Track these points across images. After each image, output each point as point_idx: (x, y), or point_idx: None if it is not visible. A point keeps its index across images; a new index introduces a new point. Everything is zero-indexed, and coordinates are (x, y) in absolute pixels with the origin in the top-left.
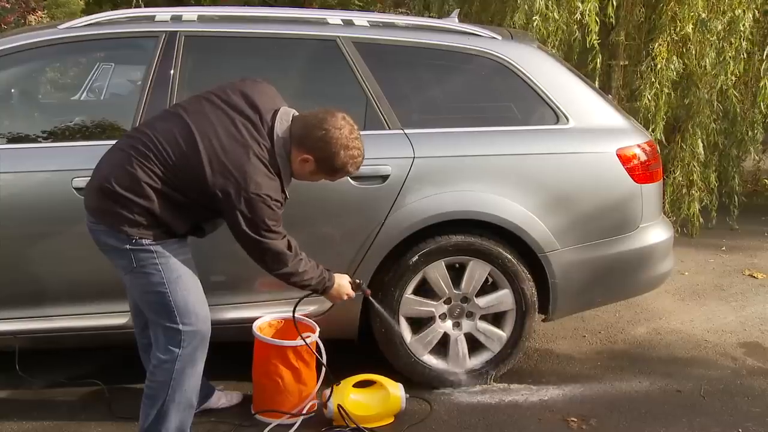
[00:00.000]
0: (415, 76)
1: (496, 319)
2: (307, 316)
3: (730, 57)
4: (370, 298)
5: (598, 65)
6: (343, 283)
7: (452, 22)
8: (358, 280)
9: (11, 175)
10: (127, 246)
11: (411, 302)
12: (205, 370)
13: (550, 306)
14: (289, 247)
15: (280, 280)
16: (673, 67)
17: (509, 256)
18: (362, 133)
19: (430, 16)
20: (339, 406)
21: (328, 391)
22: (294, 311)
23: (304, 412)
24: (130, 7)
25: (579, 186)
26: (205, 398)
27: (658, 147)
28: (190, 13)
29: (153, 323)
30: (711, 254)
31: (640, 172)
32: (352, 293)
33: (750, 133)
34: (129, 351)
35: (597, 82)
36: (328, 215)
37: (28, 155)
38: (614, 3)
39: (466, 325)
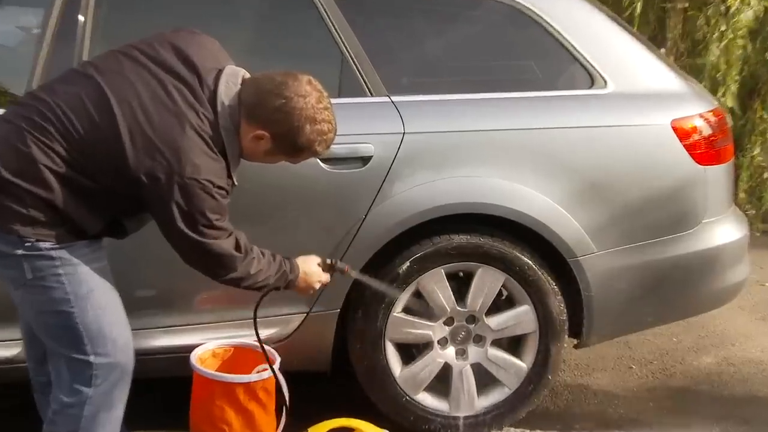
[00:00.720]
0: (405, 27)
1: (514, 345)
2: (264, 340)
3: None
4: (353, 273)
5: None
6: (311, 269)
7: None
8: (330, 260)
9: None
10: (19, 251)
11: (401, 323)
12: (126, 416)
13: (584, 327)
14: (238, 247)
15: (228, 286)
16: (750, 9)
17: (530, 262)
18: (335, 101)
19: None
20: None
21: None
22: (255, 324)
23: None
24: None
25: (621, 169)
26: None
27: (728, 117)
28: None
29: (53, 354)
30: None
31: (703, 150)
32: (326, 278)
33: None
34: (25, 392)
35: (646, 32)
36: (290, 210)
37: None
38: None
39: (474, 353)
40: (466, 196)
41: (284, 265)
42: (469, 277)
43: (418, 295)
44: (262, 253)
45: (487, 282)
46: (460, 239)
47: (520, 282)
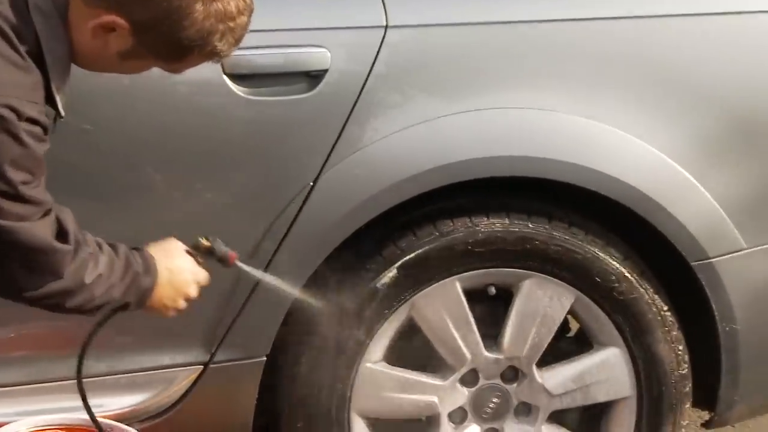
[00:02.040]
0: None
1: (591, 422)
2: (121, 417)
3: None
4: (242, 265)
5: None
6: (176, 262)
7: None
8: (203, 241)
9: None
10: None
11: (379, 382)
12: None
13: (721, 390)
14: (62, 235)
15: (45, 310)
16: None
17: (622, 269)
18: None
19: None
20: None
21: None
22: (81, 385)
23: None
24: None
25: None
26: None
27: None
28: None
29: None
30: None
31: None
32: (204, 276)
33: None
34: None
35: None
36: (174, 172)
37: None
38: None
39: None
40: (500, 145)
41: (133, 261)
42: (505, 296)
43: (411, 328)
44: (99, 245)
45: (540, 304)
46: (489, 226)
47: (604, 305)
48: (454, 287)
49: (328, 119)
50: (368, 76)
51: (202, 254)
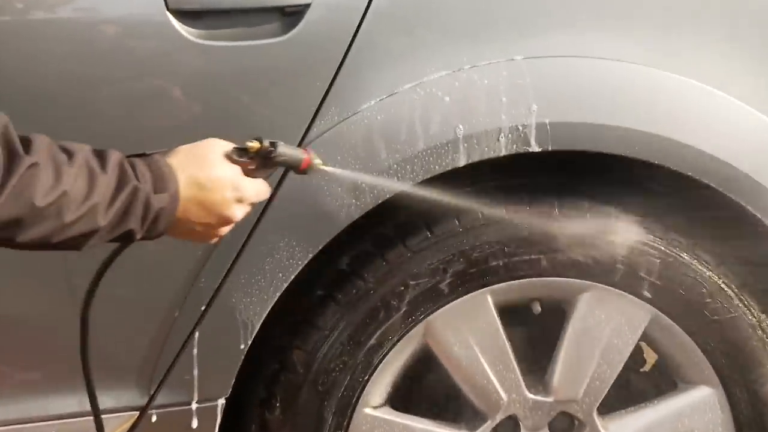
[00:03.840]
0: None
1: None
2: None
3: None
4: (320, 165)
5: None
6: (212, 173)
7: None
8: (255, 141)
9: None
10: None
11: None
12: None
13: None
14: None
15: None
16: None
17: (719, 280)
18: None
19: None
20: None
21: None
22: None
23: None
24: None
25: None
26: None
27: None
28: None
29: None
30: None
31: None
32: (254, 190)
33: None
34: None
35: None
36: (96, 138)
37: None
38: None
39: None
40: (550, 107)
41: (131, 173)
42: (554, 317)
43: (425, 361)
44: (68, 153)
45: (603, 328)
46: (532, 219)
47: (692, 328)
48: (484, 303)
49: (310, 72)
50: (365, 11)
51: (254, 158)
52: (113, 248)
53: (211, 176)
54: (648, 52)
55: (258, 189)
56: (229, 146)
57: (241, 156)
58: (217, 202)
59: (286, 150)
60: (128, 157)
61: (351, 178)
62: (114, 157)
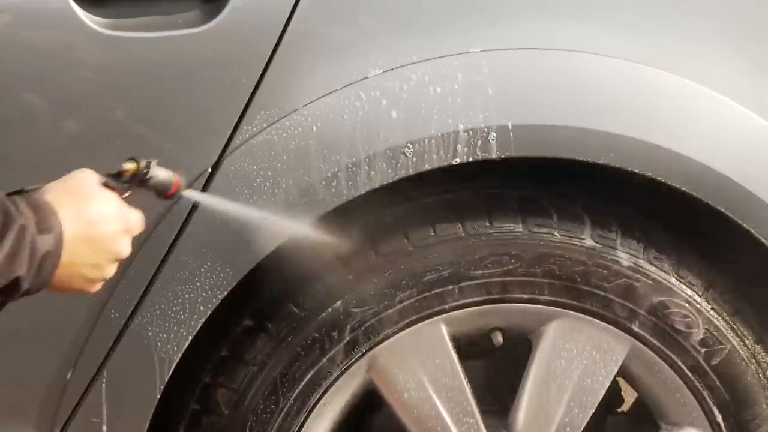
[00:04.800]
0: None
1: None
2: None
3: None
4: (187, 192)
5: None
6: (94, 207)
7: None
8: (128, 163)
9: None
10: None
11: None
12: None
13: None
14: None
15: None
16: None
17: (707, 305)
18: None
19: None
20: None
21: None
22: None
23: None
24: None
25: None
26: None
27: None
28: None
29: None
30: None
31: None
32: (136, 219)
33: None
34: None
35: None
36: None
37: None
38: None
39: None
40: (513, 108)
41: (15, 212)
42: (520, 348)
43: (369, 400)
44: None
45: (574, 361)
46: (491, 235)
47: (675, 362)
48: (438, 334)
49: (235, 67)
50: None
51: (129, 183)
52: None
53: (94, 209)
54: (632, 45)
55: (139, 218)
56: (100, 175)
57: (117, 181)
58: (105, 236)
59: (159, 171)
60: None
61: (231, 211)
62: None
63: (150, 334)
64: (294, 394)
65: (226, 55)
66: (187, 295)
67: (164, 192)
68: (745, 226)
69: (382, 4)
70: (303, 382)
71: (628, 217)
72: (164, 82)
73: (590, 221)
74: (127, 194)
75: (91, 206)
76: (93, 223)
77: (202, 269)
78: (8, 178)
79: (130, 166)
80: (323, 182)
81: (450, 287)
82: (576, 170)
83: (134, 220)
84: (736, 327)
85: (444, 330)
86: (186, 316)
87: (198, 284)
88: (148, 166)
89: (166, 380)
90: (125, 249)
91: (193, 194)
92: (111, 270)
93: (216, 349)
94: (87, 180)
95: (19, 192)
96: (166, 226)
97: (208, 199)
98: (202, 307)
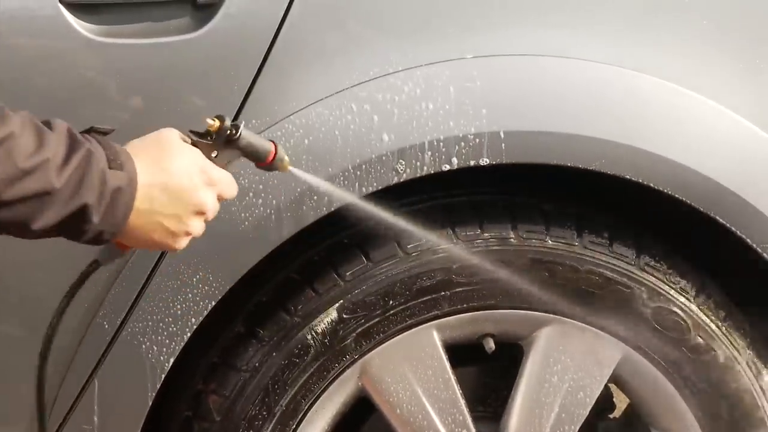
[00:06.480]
0: None
1: None
2: None
3: None
4: (287, 164)
5: None
6: (175, 161)
7: None
8: (213, 120)
9: None
10: None
11: None
12: None
13: None
14: None
15: None
16: None
17: (699, 311)
18: None
19: None
20: None
21: None
22: None
23: None
24: None
25: None
26: None
27: None
28: None
29: None
30: None
31: None
32: (222, 177)
33: None
34: None
35: None
36: None
37: None
38: None
39: None
40: (504, 114)
41: (82, 140)
42: (509, 355)
43: (360, 408)
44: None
45: (566, 368)
46: (483, 243)
47: (668, 369)
48: (430, 340)
49: (227, 74)
50: (290, 3)
51: (214, 142)
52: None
53: (172, 161)
54: (621, 50)
55: (227, 177)
56: (185, 135)
57: (201, 139)
58: (185, 186)
59: (250, 135)
60: None
61: (314, 185)
62: (59, 122)
63: (141, 341)
64: (286, 401)
65: (218, 62)
66: (178, 300)
67: (257, 159)
68: (736, 232)
69: (372, 11)
70: (295, 389)
71: (619, 223)
72: (156, 89)
73: (582, 228)
74: (214, 154)
75: (169, 158)
76: (171, 173)
77: (194, 279)
78: None
79: (213, 123)
80: (327, 181)
81: (442, 293)
82: (567, 176)
83: (218, 176)
84: (728, 333)
85: (436, 336)
86: (177, 324)
87: (189, 293)
88: (235, 128)
89: (158, 387)
90: (209, 201)
91: (292, 169)
92: (195, 224)
93: (208, 356)
94: (168, 135)
95: (89, 131)
96: None
97: (303, 175)
98: (194, 310)
